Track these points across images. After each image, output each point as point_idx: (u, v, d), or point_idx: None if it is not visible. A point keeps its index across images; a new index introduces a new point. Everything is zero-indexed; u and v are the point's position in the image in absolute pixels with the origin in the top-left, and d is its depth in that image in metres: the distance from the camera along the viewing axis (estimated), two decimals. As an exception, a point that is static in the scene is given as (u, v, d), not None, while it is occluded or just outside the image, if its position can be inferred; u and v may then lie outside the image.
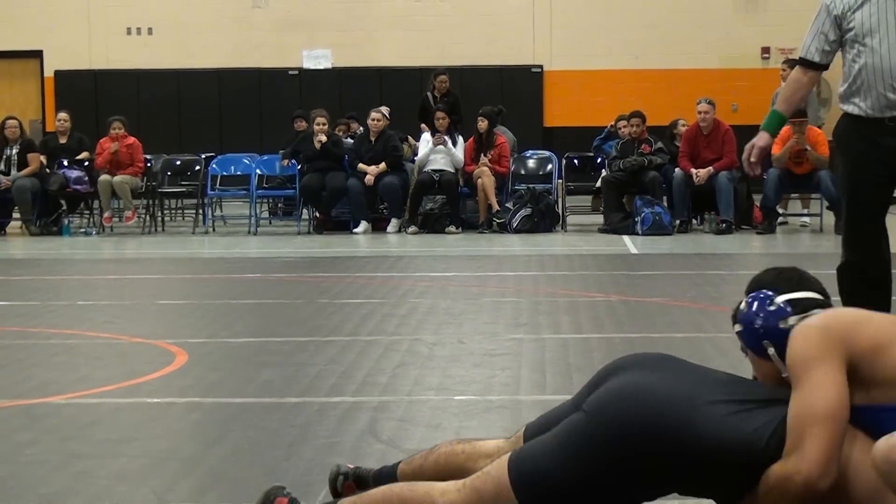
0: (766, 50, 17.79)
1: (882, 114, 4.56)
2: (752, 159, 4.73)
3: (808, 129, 11.88)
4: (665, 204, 12.22)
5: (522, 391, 4.90)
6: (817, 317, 2.68)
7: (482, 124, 12.70)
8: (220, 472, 3.76)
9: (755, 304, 2.80)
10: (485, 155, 12.62)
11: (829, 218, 11.90)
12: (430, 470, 2.93)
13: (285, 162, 13.03)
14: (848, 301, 4.64)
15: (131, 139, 12.98)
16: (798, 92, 4.82)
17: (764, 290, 2.81)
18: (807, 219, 12.74)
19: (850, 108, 4.64)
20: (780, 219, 12.62)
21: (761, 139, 4.76)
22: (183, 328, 6.68)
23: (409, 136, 13.96)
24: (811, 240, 11.73)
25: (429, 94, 13.79)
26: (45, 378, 5.28)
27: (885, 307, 4.49)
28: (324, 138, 12.65)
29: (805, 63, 4.76)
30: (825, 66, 4.72)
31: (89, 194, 13.06)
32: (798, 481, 2.49)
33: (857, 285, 4.68)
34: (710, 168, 11.96)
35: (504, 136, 13.14)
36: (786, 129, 12.06)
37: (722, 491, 2.65)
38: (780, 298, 2.78)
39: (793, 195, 12.96)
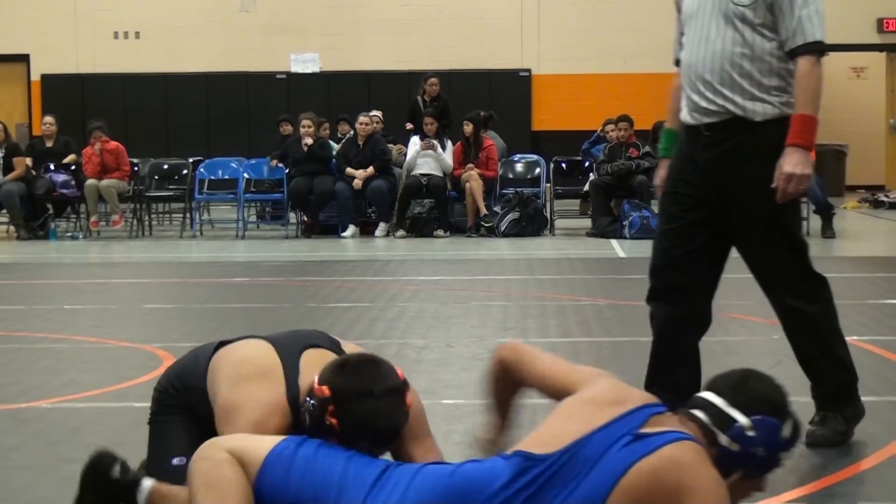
0: (753, 54, 17.84)
1: (694, 120, 3.76)
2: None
3: (794, 133, 11.91)
4: (653, 208, 12.25)
5: (510, 395, 4.89)
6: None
7: (467, 128, 12.74)
8: (207, 476, 3.74)
9: (763, 431, 2.49)
10: (472, 161, 12.65)
11: (815, 222, 11.94)
12: None
13: (273, 162, 13.04)
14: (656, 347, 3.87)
15: (114, 144, 12.95)
16: (682, 99, 3.88)
17: (771, 416, 2.50)
18: (794, 222, 12.76)
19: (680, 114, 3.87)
20: (768, 222, 12.66)
21: (664, 170, 3.92)
22: (170, 332, 6.66)
23: (397, 141, 13.96)
24: (798, 243, 11.75)
25: (419, 97, 13.82)
26: (31, 382, 5.26)
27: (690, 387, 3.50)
28: (310, 141, 12.65)
29: (678, 63, 3.92)
30: None
31: (76, 198, 13.03)
32: None
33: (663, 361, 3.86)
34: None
35: (492, 140, 13.17)
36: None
37: None
38: (787, 429, 2.53)
39: (780, 199, 12.99)
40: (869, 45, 18.24)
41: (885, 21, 18.00)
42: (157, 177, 13.58)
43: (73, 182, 12.90)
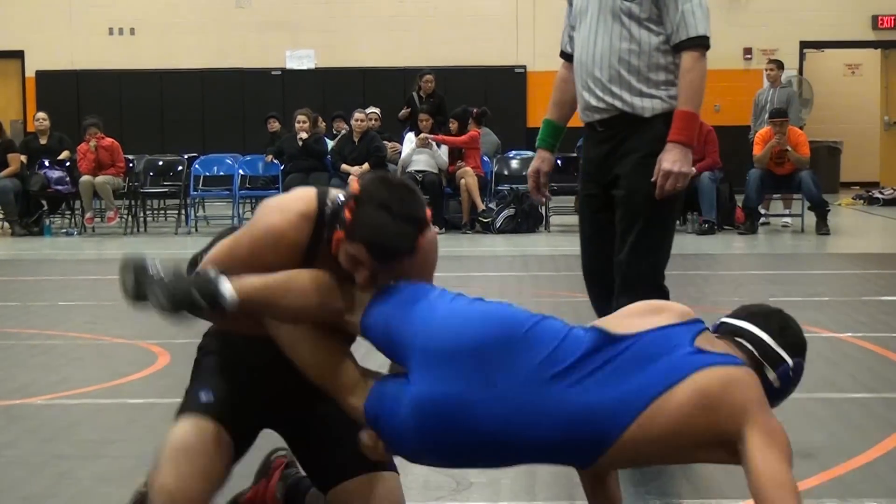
0: (748, 51, 17.86)
1: (587, 118, 3.77)
2: (535, 186, 4.00)
3: (789, 130, 11.93)
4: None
5: (505, 391, 4.89)
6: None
7: (453, 126, 12.77)
8: (202, 472, 3.74)
9: (798, 374, 2.65)
10: (461, 160, 12.70)
11: (811, 218, 11.96)
12: None
13: (269, 158, 13.06)
14: None
15: (108, 140, 12.93)
16: (567, 92, 3.93)
17: (803, 360, 2.66)
18: (788, 219, 12.79)
19: None
20: (762, 219, 12.68)
21: (544, 162, 4.00)
22: (165, 329, 6.59)
23: (392, 138, 13.96)
24: (793, 240, 11.78)
25: (414, 94, 13.80)
26: (25, 379, 5.26)
27: None
28: (305, 135, 12.66)
29: (562, 55, 3.96)
30: None
31: (71, 195, 13.01)
32: None
33: None
34: (693, 168, 11.99)
35: (478, 130, 13.15)
36: (767, 129, 12.12)
37: None
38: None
39: (774, 196, 13.01)
40: (864, 42, 18.24)
41: (879, 18, 18.01)
42: (152, 173, 13.56)
43: (67, 178, 12.88)
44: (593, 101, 3.70)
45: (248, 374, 2.87)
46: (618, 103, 3.65)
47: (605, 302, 3.80)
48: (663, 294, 3.70)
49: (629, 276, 3.67)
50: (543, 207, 12.77)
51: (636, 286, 3.63)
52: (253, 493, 3.05)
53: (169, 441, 2.79)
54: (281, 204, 2.78)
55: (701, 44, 3.62)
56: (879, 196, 15.77)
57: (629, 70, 3.63)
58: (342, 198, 2.70)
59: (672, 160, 3.58)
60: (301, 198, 2.77)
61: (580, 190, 3.88)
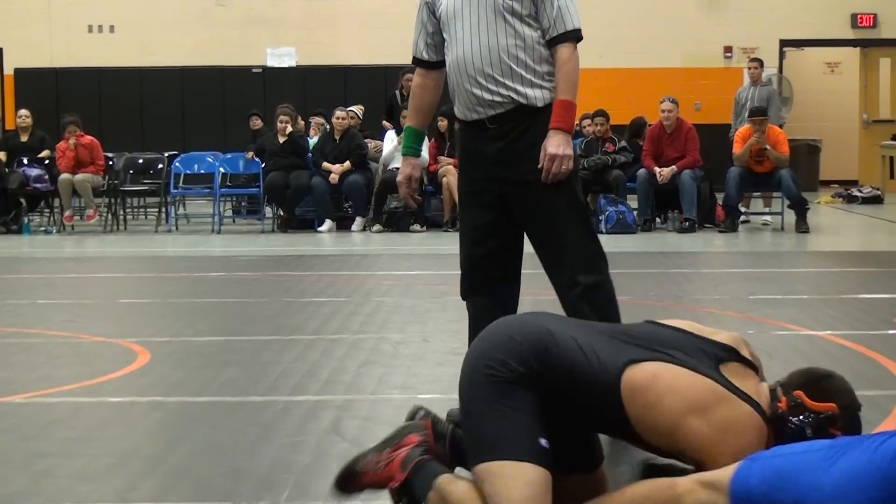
0: (728, 49, 17.92)
1: (478, 115, 3.86)
2: (410, 192, 4.14)
3: (768, 129, 11.98)
4: (629, 203, 12.29)
5: (486, 389, 4.89)
6: None
7: (442, 124, 12.74)
8: (182, 471, 3.74)
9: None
10: (448, 154, 12.67)
11: (791, 216, 12.02)
12: None
13: (249, 155, 13.03)
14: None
15: (88, 138, 12.88)
16: (425, 98, 4.06)
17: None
18: (768, 217, 12.85)
19: (455, 111, 3.99)
20: (742, 217, 12.73)
21: (415, 169, 4.12)
22: (145, 327, 6.63)
23: (374, 136, 13.94)
24: (772, 238, 11.83)
25: (397, 92, 13.79)
26: (4, 377, 5.23)
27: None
28: (289, 129, 12.65)
29: (418, 63, 4.05)
30: (442, 63, 3.97)
31: (50, 193, 12.95)
32: None
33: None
34: (674, 167, 12.04)
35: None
36: (746, 127, 12.17)
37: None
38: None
39: (754, 194, 13.06)
40: (843, 40, 18.33)
41: (858, 16, 18.09)
42: (131, 171, 13.51)
43: (46, 176, 12.81)
44: (488, 96, 3.83)
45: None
46: (513, 95, 3.83)
47: (477, 293, 4.02)
48: (604, 257, 3.96)
49: (587, 258, 3.90)
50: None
51: (596, 264, 3.92)
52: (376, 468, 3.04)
53: (521, 486, 2.76)
54: (738, 421, 2.90)
55: (575, 36, 3.91)
56: (858, 194, 15.84)
57: (518, 64, 3.82)
58: (811, 416, 2.90)
59: (556, 144, 3.79)
60: (752, 422, 2.88)
61: (465, 187, 4.02)
